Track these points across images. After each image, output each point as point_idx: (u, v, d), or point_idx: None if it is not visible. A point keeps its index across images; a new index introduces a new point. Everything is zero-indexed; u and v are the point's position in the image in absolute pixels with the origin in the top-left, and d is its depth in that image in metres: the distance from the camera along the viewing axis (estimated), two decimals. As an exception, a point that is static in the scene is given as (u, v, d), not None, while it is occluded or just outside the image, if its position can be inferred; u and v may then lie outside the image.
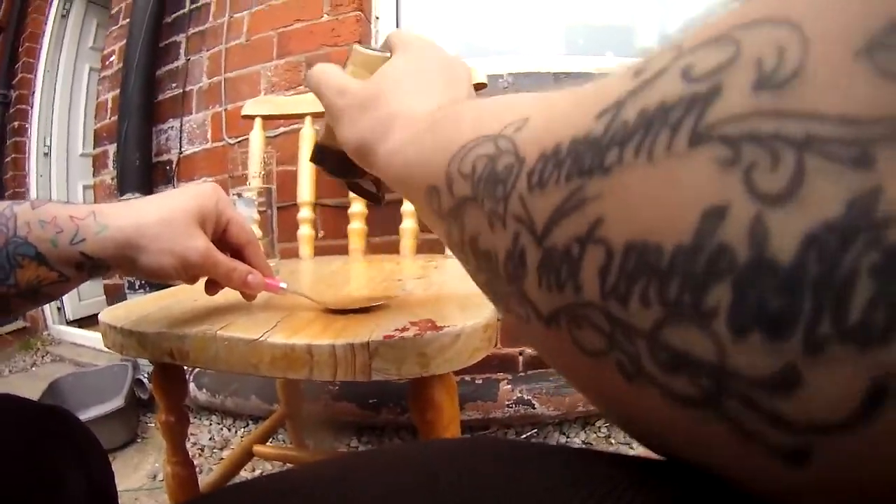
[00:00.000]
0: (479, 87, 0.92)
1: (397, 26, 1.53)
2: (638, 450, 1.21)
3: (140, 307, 0.58)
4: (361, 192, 0.45)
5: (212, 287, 0.49)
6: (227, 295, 0.51)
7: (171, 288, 0.69)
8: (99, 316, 0.57)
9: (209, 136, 1.53)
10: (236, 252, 0.48)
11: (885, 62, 0.08)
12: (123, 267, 0.42)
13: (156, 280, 0.44)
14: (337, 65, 0.38)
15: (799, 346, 0.09)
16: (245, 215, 0.75)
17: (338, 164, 0.42)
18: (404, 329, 0.42)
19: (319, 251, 1.02)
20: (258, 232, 0.76)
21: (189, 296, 0.61)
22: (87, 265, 0.40)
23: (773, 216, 0.09)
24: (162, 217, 0.42)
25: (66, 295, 1.90)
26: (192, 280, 0.46)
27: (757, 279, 0.09)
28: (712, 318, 0.10)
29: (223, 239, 0.47)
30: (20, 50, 2.66)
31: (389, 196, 0.47)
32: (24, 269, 0.39)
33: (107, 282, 1.81)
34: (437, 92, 0.31)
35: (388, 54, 0.36)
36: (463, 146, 0.19)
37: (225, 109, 1.50)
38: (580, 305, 0.13)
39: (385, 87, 0.32)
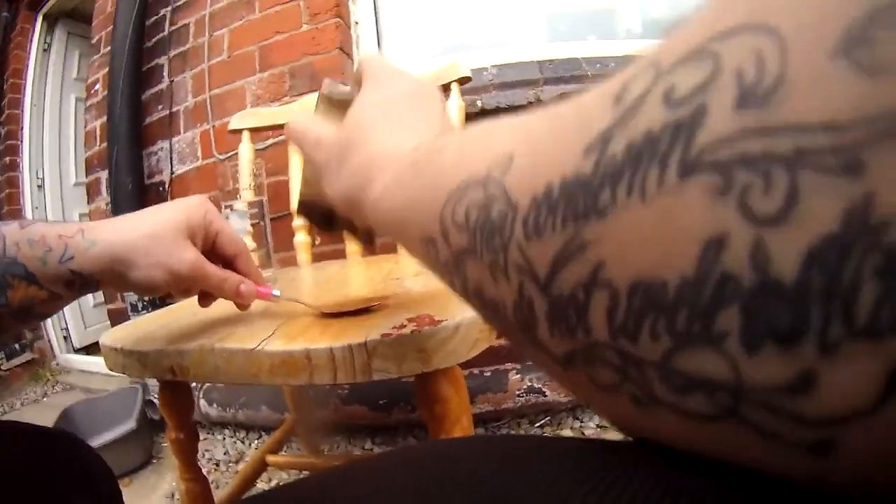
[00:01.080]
0: (463, 80, 0.91)
1: (377, 31, 1.53)
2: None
3: (139, 328, 0.58)
4: (356, 236, 0.44)
5: (205, 299, 0.49)
6: (225, 307, 0.51)
7: (171, 305, 0.69)
8: (100, 339, 0.57)
9: (199, 153, 1.53)
10: (228, 263, 0.48)
11: (863, 58, 0.08)
12: (114, 282, 0.42)
13: (148, 294, 0.44)
14: (309, 112, 0.37)
15: (813, 351, 0.09)
16: (238, 228, 0.75)
17: (323, 216, 0.42)
18: (402, 326, 0.42)
19: (317, 257, 1.02)
20: (253, 244, 0.76)
21: (188, 312, 0.61)
22: (78, 282, 0.41)
23: (773, 238, 0.09)
24: (150, 231, 0.42)
25: (72, 324, 1.91)
26: (185, 293, 0.46)
27: (764, 300, 0.09)
28: (723, 341, 0.10)
29: (214, 250, 0.47)
30: (4, 87, 2.66)
31: None
32: (14, 290, 0.39)
33: (111, 307, 1.81)
34: (412, 124, 0.29)
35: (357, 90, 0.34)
36: (452, 192, 0.18)
37: (213, 126, 1.50)
38: (592, 346, 0.13)
39: (359, 129, 0.30)
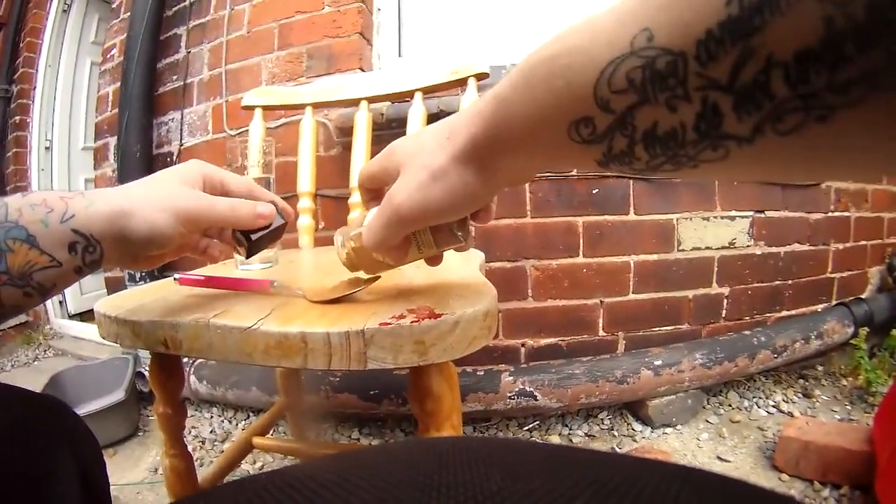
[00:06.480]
0: (480, 76, 0.90)
1: (398, 19, 1.52)
2: (641, 442, 1.20)
3: (135, 297, 0.57)
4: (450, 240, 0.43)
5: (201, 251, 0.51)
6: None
7: (169, 278, 0.68)
8: (94, 306, 0.56)
9: (210, 127, 1.52)
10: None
11: None
12: (117, 243, 0.41)
13: (155, 249, 0.43)
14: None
15: None
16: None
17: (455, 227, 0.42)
18: (401, 316, 0.41)
19: (319, 241, 1.02)
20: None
21: (186, 287, 0.60)
22: (80, 245, 0.40)
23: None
24: (147, 184, 0.43)
25: (68, 289, 1.89)
26: (196, 235, 0.48)
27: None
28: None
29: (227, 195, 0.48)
30: (21, 45, 2.66)
31: None
32: (14, 254, 0.37)
33: (108, 275, 1.81)
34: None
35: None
36: (601, 73, 0.22)
37: (226, 101, 1.49)
38: (777, 106, 0.18)
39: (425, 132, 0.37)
